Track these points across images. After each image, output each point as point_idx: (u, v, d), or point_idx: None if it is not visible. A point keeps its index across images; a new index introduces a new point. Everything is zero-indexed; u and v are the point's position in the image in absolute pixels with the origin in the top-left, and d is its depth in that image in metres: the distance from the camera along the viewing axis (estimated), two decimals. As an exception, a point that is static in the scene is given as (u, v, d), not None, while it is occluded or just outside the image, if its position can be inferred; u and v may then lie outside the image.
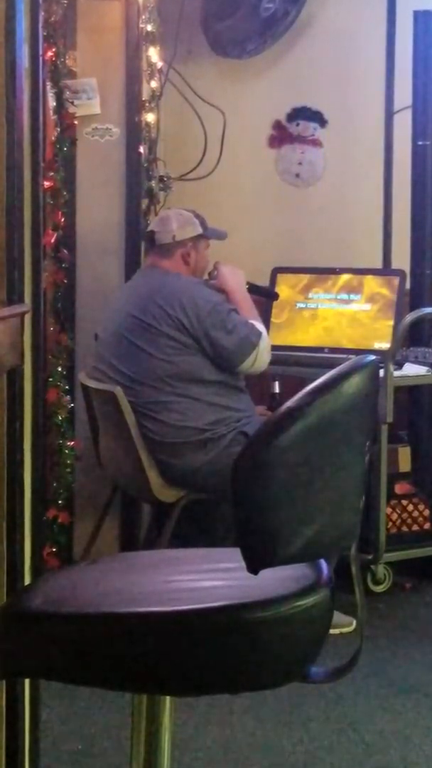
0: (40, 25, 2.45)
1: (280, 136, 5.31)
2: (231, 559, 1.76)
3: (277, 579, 1.68)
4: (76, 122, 4.40)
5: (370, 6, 5.17)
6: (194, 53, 5.13)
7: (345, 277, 4.65)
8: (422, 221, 4.74)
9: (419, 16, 4.72)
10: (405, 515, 4.45)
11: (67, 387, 4.28)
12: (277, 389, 4.36)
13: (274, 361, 4.09)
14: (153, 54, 4.59)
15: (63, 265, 4.35)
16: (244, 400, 4.01)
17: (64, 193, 4.29)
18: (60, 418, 4.20)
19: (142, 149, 4.50)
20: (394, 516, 4.41)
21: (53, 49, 4.17)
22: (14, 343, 2.19)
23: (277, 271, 4.75)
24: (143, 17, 4.45)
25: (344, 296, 4.63)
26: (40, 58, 2.45)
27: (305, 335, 4.65)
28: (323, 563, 1.77)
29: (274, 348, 4.12)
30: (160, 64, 4.71)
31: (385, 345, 4.41)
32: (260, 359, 3.95)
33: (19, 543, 2.28)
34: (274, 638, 1.64)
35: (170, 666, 1.63)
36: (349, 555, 1.83)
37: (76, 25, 4.40)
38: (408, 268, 4.71)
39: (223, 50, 5.08)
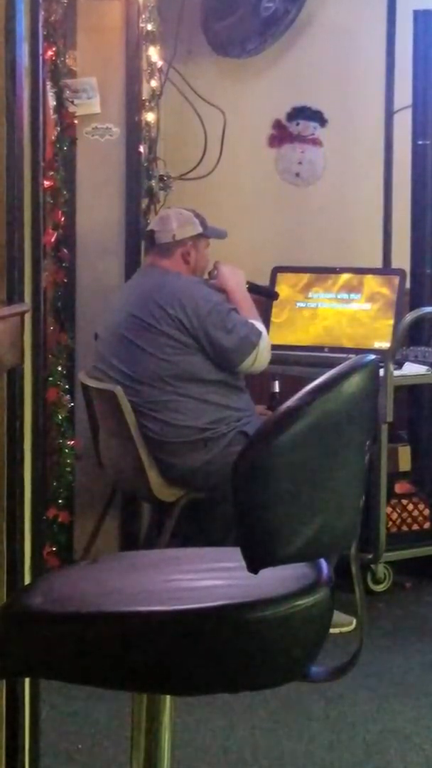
0: (40, 24, 2.45)
1: (280, 135, 5.31)
2: (231, 558, 1.76)
3: (277, 578, 1.68)
4: (76, 122, 4.40)
5: (370, 5, 5.17)
6: (194, 53, 5.13)
7: (345, 276, 4.65)
8: (422, 221, 4.74)
9: (419, 16, 4.72)
10: (405, 514, 4.45)
11: (67, 386, 4.28)
12: (276, 389, 4.36)
13: (274, 361, 4.09)
14: (153, 53, 4.59)
15: (63, 265, 4.35)
16: (244, 400, 4.01)
17: (64, 192, 4.29)
18: (60, 417, 4.20)
19: (142, 149, 4.50)
20: (394, 515, 4.41)
21: (53, 49, 4.17)
22: (14, 342, 2.19)
23: (277, 270, 4.75)
24: (143, 17, 4.45)
25: (344, 296, 4.63)
26: (40, 58, 2.45)
27: (305, 335, 4.65)
28: (323, 562, 1.77)
29: (274, 347, 4.12)
30: (160, 64, 4.71)
31: (385, 344, 4.41)
32: (260, 359, 3.95)
33: (19, 542, 2.28)
34: (274, 637, 1.64)
35: (170, 665, 1.63)
36: (349, 554, 1.83)
37: (76, 24, 4.40)
38: (408, 267, 4.71)
39: (223, 50, 5.08)
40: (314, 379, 1.71)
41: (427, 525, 4.50)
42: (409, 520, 4.46)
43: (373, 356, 1.78)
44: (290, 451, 1.64)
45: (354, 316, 4.58)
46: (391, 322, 4.46)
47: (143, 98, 4.52)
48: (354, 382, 1.71)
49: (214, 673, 1.65)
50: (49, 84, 4.17)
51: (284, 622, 1.64)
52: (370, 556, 4.23)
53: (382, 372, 3.94)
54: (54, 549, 4.17)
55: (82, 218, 4.48)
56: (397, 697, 3.44)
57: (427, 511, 4.50)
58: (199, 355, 3.88)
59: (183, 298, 3.87)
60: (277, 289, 4.64)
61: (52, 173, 4.14)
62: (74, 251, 4.45)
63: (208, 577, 1.81)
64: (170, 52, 4.91)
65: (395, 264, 5.00)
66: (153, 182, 4.62)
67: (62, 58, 4.28)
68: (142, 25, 4.45)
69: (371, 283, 4.58)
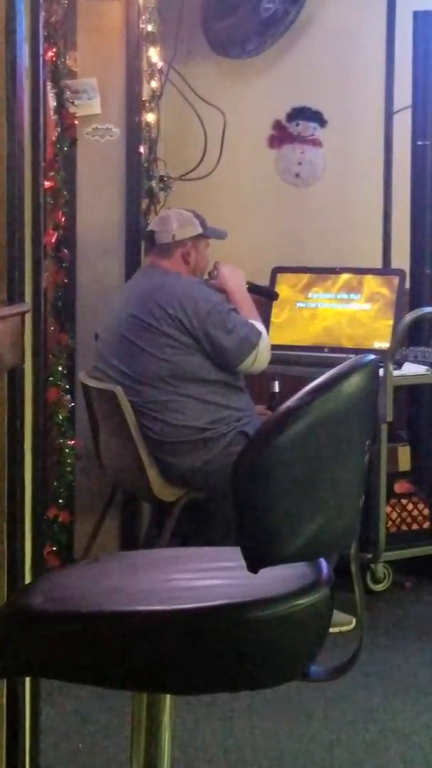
0: (41, 24, 2.46)
1: (280, 136, 5.31)
2: (231, 557, 1.76)
3: (277, 578, 1.69)
4: (76, 122, 4.40)
5: (370, 6, 5.17)
6: (194, 53, 5.13)
7: (345, 276, 4.65)
8: (422, 221, 4.74)
9: (419, 16, 4.72)
10: (405, 514, 4.45)
11: (67, 386, 4.29)
12: (276, 388, 4.36)
13: (273, 361, 4.09)
14: (153, 54, 4.59)
15: (63, 265, 4.36)
16: (243, 400, 4.02)
17: (65, 192, 4.30)
18: (60, 417, 4.20)
19: (142, 149, 4.50)
20: (394, 515, 4.41)
21: (53, 49, 4.17)
22: (15, 342, 2.19)
23: (277, 270, 4.75)
24: (143, 17, 4.45)
25: (344, 296, 4.63)
26: (41, 58, 2.45)
27: (305, 335, 4.66)
28: (323, 562, 1.77)
29: (274, 347, 4.12)
30: (160, 64, 4.71)
31: (384, 344, 4.41)
32: (260, 359, 3.95)
33: (20, 542, 2.29)
34: (274, 637, 1.64)
35: (170, 665, 1.64)
36: (348, 554, 1.83)
37: (77, 25, 4.40)
38: (408, 267, 4.71)
39: (223, 50, 5.08)
40: (314, 379, 1.71)
41: (426, 525, 4.50)
42: (408, 520, 4.46)
43: (372, 356, 1.78)
44: (290, 451, 1.64)
45: (354, 316, 4.59)
46: (391, 322, 4.46)
47: (143, 99, 4.52)
48: (354, 382, 1.72)
49: (214, 673, 1.65)
50: (49, 85, 4.17)
51: (284, 621, 1.65)
52: (370, 556, 4.24)
53: (381, 372, 3.94)
54: (54, 549, 4.18)
55: (83, 219, 4.48)
56: (397, 697, 3.44)
57: (426, 511, 4.51)
58: (199, 355, 3.88)
59: (183, 298, 3.88)
60: (277, 289, 4.64)
61: (52, 174, 4.14)
62: (74, 251, 4.45)
63: (207, 577, 1.82)
64: (170, 52, 4.92)
65: (395, 264, 5.00)
66: (153, 183, 4.62)
67: (63, 59, 4.28)
68: (142, 25, 4.45)
69: (371, 283, 4.59)
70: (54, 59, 4.19)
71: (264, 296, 4.47)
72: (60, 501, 4.24)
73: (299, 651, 1.69)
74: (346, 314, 4.60)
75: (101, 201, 4.50)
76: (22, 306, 2.25)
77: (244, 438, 3.81)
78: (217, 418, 3.88)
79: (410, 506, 4.48)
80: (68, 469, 4.26)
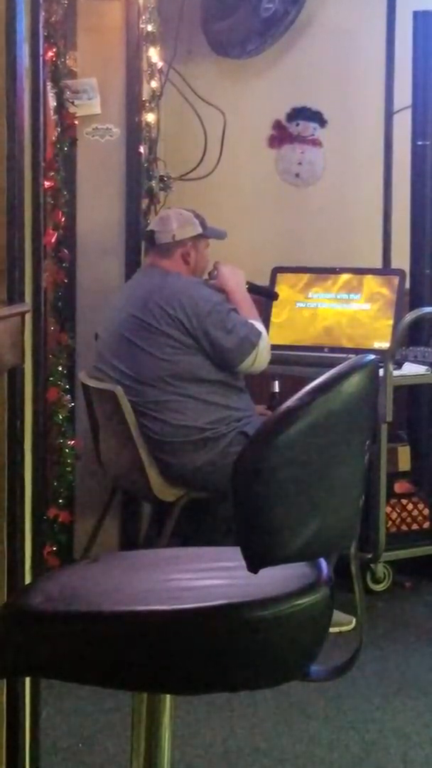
0: (41, 24, 2.46)
1: (280, 136, 5.31)
2: (231, 557, 1.76)
3: (277, 578, 1.69)
4: (76, 122, 4.40)
5: (370, 6, 5.17)
6: (194, 53, 5.13)
7: (345, 276, 4.65)
8: (422, 221, 4.74)
9: (419, 16, 4.72)
10: (404, 514, 4.45)
11: (67, 386, 4.28)
12: (276, 389, 4.36)
13: (274, 361, 4.09)
14: (153, 54, 4.59)
15: (63, 265, 4.36)
16: (244, 400, 4.02)
17: (65, 192, 4.30)
18: (60, 417, 4.20)
19: (142, 149, 4.50)
20: (394, 515, 4.41)
21: (53, 49, 4.17)
22: (15, 342, 2.19)
23: (277, 270, 4.75)
24: (143, 17, 4.45)
25: (344, 296, 4.63)
26: (41, 58, 2.45)
27: (305, 335, 4.66)
28: (323, 562, 1.77)
29: (274, 347, 4.12)
30: (160, 64, 4.71)
31: (384, 344, 4.41)
32: (260, 359, 3.96)
33: (20, 542, 2.29)
34: (273, 637, 1.64)
35: (170, 665, 1.64)
36: (348, 554, 1.83)
37: (77, 25, 4.40)
38: (408, 267, 4.71)
39: (223, 50, 5.09)
40: (314, 379, 1.71)
41: (426, 525, 4.50)
42: (408, 520, 4.46)
43: (372, 356, 1.78)
44: (290, 451, 1.64)
45: (354, 316, 4.59)
46: (391, 322, 4.46)
47: (143, 99, 4.52)
48: (354, 382, 1.72)
49: (214, 673, 1.65)
50: (49, 85, 4.17)
51: (284, 621, 1.65)
52: (370, 556, 4.24)
53: (381, 372, 3.94)
54: (54, 549, 4.17)
55: (83, 219, 4.48)
56: (397, 697, 3.44)
57: (426, 511, 4.51)
58: (199, 355, 3.88)
59: (183, 298, 3.88)
60: (277, 289, 4.64)
61: (52, 174, 4.14)
62: (74, 251, 4.46)
63: (207, 577, 1.82)
64: (170, 52, 4.92)
65: (395, 264, 5.00)
66: (153, 183, 4.62)
67: (63, 59, 4.28)
68: (142, 25, 4.45)
69: (371, 283, 4.59)
70: (54, 59, 4.19)
71: (264, 296, 4.47)
72: (60, 501, 4.24)
73: (299, 651, 1.69)
74: (346, 314, 4.60)
75: (101, 201, 4.50)
76: (22, 306, 2.25)
77: (244, 438, 3.82)
78: (217, 418, 3.88)
79: (410, 506, 4.48)
80: (68, 469, 4.26)
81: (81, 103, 4.40)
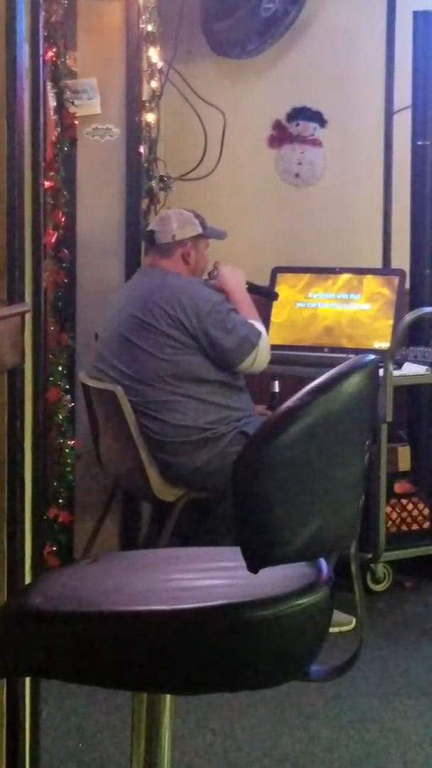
0: (41, 24, 2.45)
1: (280, 136, 5.31)
2: (231, 557, 1.76)
3: (276, 578, 1.69)
4: (76, 122, 4.40)
5: (370, 6, 5.17)
6: (194, 53, 5.13)
7: (345, 276, 4.65)
8: (422, 221, 4.74)
9: (419, 16, 4.72)
10: (404, 514, 4.45)
11: (67, 386, 4.29)
12: (276, 388, 4.36)
13: (273, 361, 4.09)
14: (153, 54, 4.59)
15: (63, 265, 4.36)
16: (244, 400, 4.02)
17: (65, 192, 4.30)
18: (60, 417, 4.21)
19: (142, 149, 4.50)
20: (394, 515, 4.41)
21: (54, 49, 4.17)
22: (15, 342, 2.19)
23: (277, 270, 4.75)
24: (143, 17, 4.45)
25: (344, 296, 4.63)
26: (41, 58, 2.45)
27: (305, 334, 4.66)
28: (323, 562, 1.77)
29: (274, 347, 4.12)
30: (160, 64, 4.71)
31: (384, 344, 4.41)
32: (260, 359, 3.96)
33: (20, 542, 2.29)
34: (273, 637, 1.64)
35: (170, 665, 1.64)
36: (348, 554, 1.83)
37: (77, 25, 4.40)
38: (408, 267, 4.71)
39: (223, 50, 5.09)
40: (314, 379, 1.71)
41: (426, 525, 4.50)
42: (408, 520, 4.46)
43: (372, 356, 1.78)
44: (290, 451, 1.64)
45: (354, 316, 4.59)
46: (391, 322, 4.46)
47: (143, 99, 4.52)
48: (354, 382, 1.72)
49: (214, 673, 1.65)
50: (49, 85, 4.17)
51: (284, 621, 1.65)
52: (370, 556, 4.24)
53: (381, 372, 3.94)
54: (54, 549, 4.18)
55: (83, 219, 4.48)
56: (397, 697, 3.44)
57: (426, 511, 4.51)
58: (199, 355, 3.88)
59: (183, 298, 3.88)
60: (277, 289, 4.64)
61: (52, 174, 4.15)
62: (74, 251, 4.46)
63: (207, 577, 1.82)
64: (170, 52, 4.92)
65: (395, 264, 5.00)
66: (153, 183, 4.62)
67: (63, 59, 4.28)
68: (142, 25, 4.45)
69: (371, 283, 4.59)
70: (54, 59, 4.19)
71: (264, 296, 4.47)
72: (60, 501, 4.24)
73: (299, 651, 1.69)
74: (346, 314, 4.60)
75: (101, 201, 4.50)
76: (22, 306, 2.25)
77: (244, 438, 3.81)
78: (217, 418, 3.88)
79: (410, 506, 4.48)
80: (68, 469, 4.26)
81: (81, 103, 4.40)
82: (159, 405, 3.85)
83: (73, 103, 4.36)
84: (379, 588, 4.36)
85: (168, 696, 1.77)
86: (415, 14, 4.73)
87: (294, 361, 4.45)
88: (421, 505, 4.50)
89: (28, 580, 2.35)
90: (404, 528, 4.45)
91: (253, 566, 1.65)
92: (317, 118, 5.29)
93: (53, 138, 4.21)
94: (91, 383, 4.01)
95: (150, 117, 4.58)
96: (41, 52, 2.45)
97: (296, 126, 5.30)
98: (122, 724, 3.15)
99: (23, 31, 2.24)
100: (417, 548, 4.42)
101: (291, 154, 5.32)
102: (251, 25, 4.97)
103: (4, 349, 2.11)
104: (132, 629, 1.64)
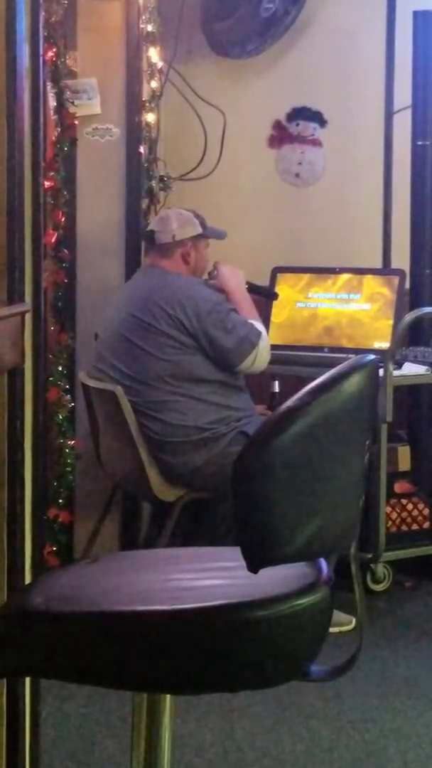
0: (41, 24, 2.46)
1: (280, 136, 5.31)
2: (231, 557, 1.76)
3: (276, 578, 1.69)
4: (76, 122, 4.40)
5: (370, 6, 5.17)
6: (194, 53, 5.13)
7: (345, 276, 4.65)
8: (422, 221, 4.74)
9: (419, 16, 4.72)
10: (404, 514, 4.45)
11: (67, 386, 4.29)
12: (276, 388, 4.36)
13: (273, 361, 4.09)
14: (153, 54, 4.59)
15: (63, 265, 4.36)
16: (243, 400, 4.02)
17: (65, 192, 4.30)
18: (60, 417, 4.20)
19: (142, 149, 4.50)
20: (394, 515, 4.41)
21: (53, 49, 4.17)
22: (15, 342, 2.19)
23: (277, 270, 4.75)
24: (143, 17, 4.45)
25: (344, 296, 4.63)
26: (41, 58, 2.45)
27: (305, 334, 4.66)
28: (323, 562, 1.77)
29: (274, 347, 4.12)
30: (160, 64, 4.71)
31: (384, 344, 4.41)
32: (260, 359, 3.96)
33: (20, 542, 2.29)
34: (273, 637, 1.64)
35: (170, 665, 1.64)
36: (348, 554, 1.83)
37: (77, 25, 4.40)
38: (408, 267, 4.71)
39: (223, 50, 5.09)
40: (314, 379, 1.71)
41: (426, 525, 4.50)
42: (408, 520, 4.46)
43: (372, 356, 1.78)
44: (290, 451, 1.64)
45: (354, 316, 4.59)
46: (391, 322, 4.46)
47: (143, 99, 4.52)
48: (354, 382, 1.72)
49: (214, 672, 1.65)
50: (49, 85, 4.17)
51: (284, 621, 1.65)
52: (370, 556, 4.23)
53: (381, 372, 3.94)
54: (54, 549, 4.18)
55: (83, 219, 4.48)
56: (397, 697, 3.44)
57: (426, 511, 4.50)
58: (199, 355, 3.88)
59: (183, 298, 3.88)
60: (277, 289, 4.64)
61: (52, 174, 4.15)
62: (74, 251, 4.46)
63: (207, 577, 1.82)
64: (170, 52, 4.92)
65: (395, 264, 5.00)
66: (153, 183, 4.62)
67: (63, 59, 4.28)
68: (142, 25, 4.45)
69: (371, 283, 4.59)
70: (54, 59, 4.19)
71: (264, 296, 4.47)
72: (60, 501, 4.24)
73: (299, 651, 1.69)
74: (346, 314, 4.60)
75: (101, 201, 4.50)
76: (22, 306, 2.25)
77: (244, 438, 3.81)
78: (217, 418, 3.88)
79: (410, 506, 4.48)
80: (68, 469, 4.26)
81: (81, 103, 4.40)
82: (159, 405, 3.85)
83: (73, 103, 4.37)
84: (379, 588, 4.36)
85: (168, 696, 1.77)
86: (415, 14, 4.73)
87: (294, 361, 4.45)
88: (421, 505, 4.50)
89: (28, 580, 2.35)
90: (404, 528, 4.45)
91: (253, 566, 1.65)
92: (317, 118, 5.29)
93: (53, 138, 4.21)
94: (91, 383, 4.01)
95: (150, 117, 4.58)
96: (41, 52, 2.45)
97: (296, 126, 5.30)
98: (122, 724, 3.15)
99: (23, 31, 2.24)
100: (417, 548, 4.42)
101: (291, 154, 5.32)
102: (251, 25, 4.97)
103: (4, 349, 2.11)
104: (132, 629, 1.64)
